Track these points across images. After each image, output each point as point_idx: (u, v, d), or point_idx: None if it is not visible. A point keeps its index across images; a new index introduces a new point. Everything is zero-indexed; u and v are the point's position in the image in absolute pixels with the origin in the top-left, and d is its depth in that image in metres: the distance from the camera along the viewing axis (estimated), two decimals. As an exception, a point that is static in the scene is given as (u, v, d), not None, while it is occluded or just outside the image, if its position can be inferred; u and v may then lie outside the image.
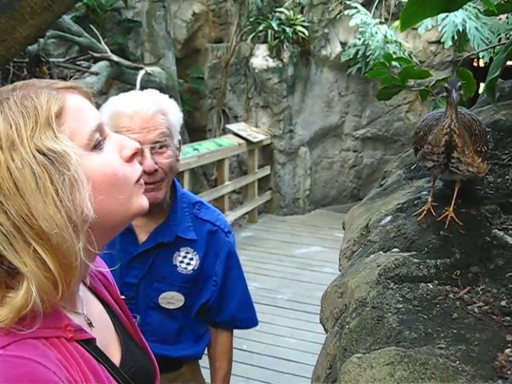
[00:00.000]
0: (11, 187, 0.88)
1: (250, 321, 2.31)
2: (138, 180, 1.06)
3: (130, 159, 1.05)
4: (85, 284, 1.14)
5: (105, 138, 1.03)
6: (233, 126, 8.78)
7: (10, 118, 0.92)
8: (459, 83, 1.49)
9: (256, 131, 8.86)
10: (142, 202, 1.07)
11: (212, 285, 2.09)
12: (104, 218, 0.98)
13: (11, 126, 0.91)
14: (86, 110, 1.02)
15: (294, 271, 6.81)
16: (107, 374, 1.02)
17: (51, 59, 7.25)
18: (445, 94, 1.51)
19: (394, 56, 3.08)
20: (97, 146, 1.00)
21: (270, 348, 5.01)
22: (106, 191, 0.99)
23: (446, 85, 1.49)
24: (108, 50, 7.64)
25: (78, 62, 7.69)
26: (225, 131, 9.16)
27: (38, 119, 0.93)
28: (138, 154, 1.07)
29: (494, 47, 3.31)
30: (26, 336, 0.89)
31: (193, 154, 7.14)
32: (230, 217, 8.15)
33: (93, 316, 1.10)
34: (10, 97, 0.95)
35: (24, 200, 0.88)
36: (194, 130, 9.71)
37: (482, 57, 6.34)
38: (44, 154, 0.91)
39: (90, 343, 1.02)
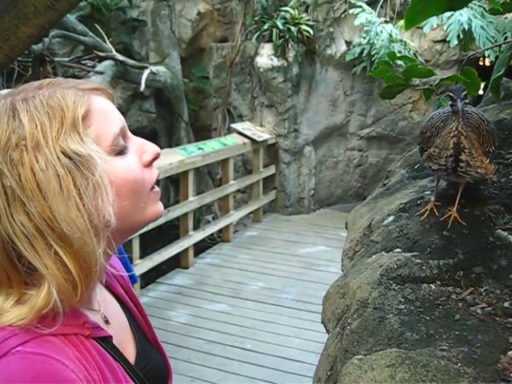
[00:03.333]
0: (34, 188, 0.88)
1: None
2: (154, 184, 1.06)
3: (149, 164, 1.05)
4: (101, 282, 1.13)
5: (126, 140, 1.03)
6: (237, 126, 8.76)
7: (35, 117, 0.91)
8: (464, 92, 1.48)
9: (261, 130, 8.84)
10: (158, 208, 1.07)
11: None
12: (122, 223, 0.98)
13: (36, 126, 0.90)
14: (111, 112, 1.02)
15: (299, 271, 6.79)
16: (124, 372, 1.02)
17: (56, 58, 7.26)
18: (450, 102, 1.50)
19: (399, 55, 3.06)
20: (119, 150, 0.99)
21: (275, 348, 4.99)
22: (127, 196, 0.98)
23: (451, 94, 1.48)
24: (113, 50, 7.64)
25: (82, 62, 7.70)
26: (230, 130, 9.14)
27: (64, 121, 0.92)
28: (157, 159, 1.06)
29: (499, 45, 3.29)
30: (45, 333, 0.89)
31: (198, 153, 7.13)
32: (235, 216, 8.14)
33: (109, 314, 1.10)
34: (35, 95, 0.94)
35: (47, 202, 0.88)
36: (198, 129, 9.71)
37: (488, 56, 6.33)
38: (69, 157, 0.90)
39: (107, 341, 1.01)
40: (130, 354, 1.11)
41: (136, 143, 1.05)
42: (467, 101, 1.50)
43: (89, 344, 0.95)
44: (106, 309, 1.09)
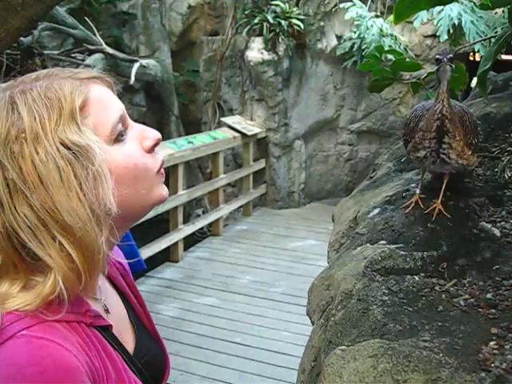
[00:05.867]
0: (35, 180, 0.89)
1: None
2: (159, 170, 1.06)
3: (150, 150, 1.05)
4: (103, 273, 1.14)
5: (126, 128, 1.03)
6: (228, 119, 8.75)
7: (34, 110, 0.92)
8: (450, 55, 1.48)
9: (251, 124, 8.83)
10: (162, 191, 1.07)
11: None
12: (125, 210, 0.99)
13: (35, 119, 0.91)
14: (109, 101, 1.02)
15: (289, 264, 6.80)
16: (122, 361, 1.03)
17: (46, 51, 7.23)
18: (436, 67, 1.49)
19: (388, 49, 3.07)
20: (119, 138, 1.00)
21: (264, 341, 5.00)
22: (128, 184, 0.99)
23: (438, 56, 1.48)
24: (103, 43, 7.61)
25: (72, 55, 7.67)
26: (220, 124, 9.13)
27: (62, 112, 0.93)
28: (158, 145, 1.07)
29: (489, 39, 3.30)
30: (49, 319, 0.90)
31: (188, 147, 7.11)
32: (225, 210, 8.14)
33: (109, 303, 1.11)
34: (33, 87, 0.95)
35: (48, 193, 0.89)
36: (188, 123, 9.68)
37: (478, 51, 6.34)
38: (68, 148, 0.91)
39: (107, 330, 1.02)
40: (129, 344, 1.12)
41: (136, 130, 1.05)
42: (452, 56, 1.49)
43: (90, 332, 0.97)
44: (106, 298, 1.11)
